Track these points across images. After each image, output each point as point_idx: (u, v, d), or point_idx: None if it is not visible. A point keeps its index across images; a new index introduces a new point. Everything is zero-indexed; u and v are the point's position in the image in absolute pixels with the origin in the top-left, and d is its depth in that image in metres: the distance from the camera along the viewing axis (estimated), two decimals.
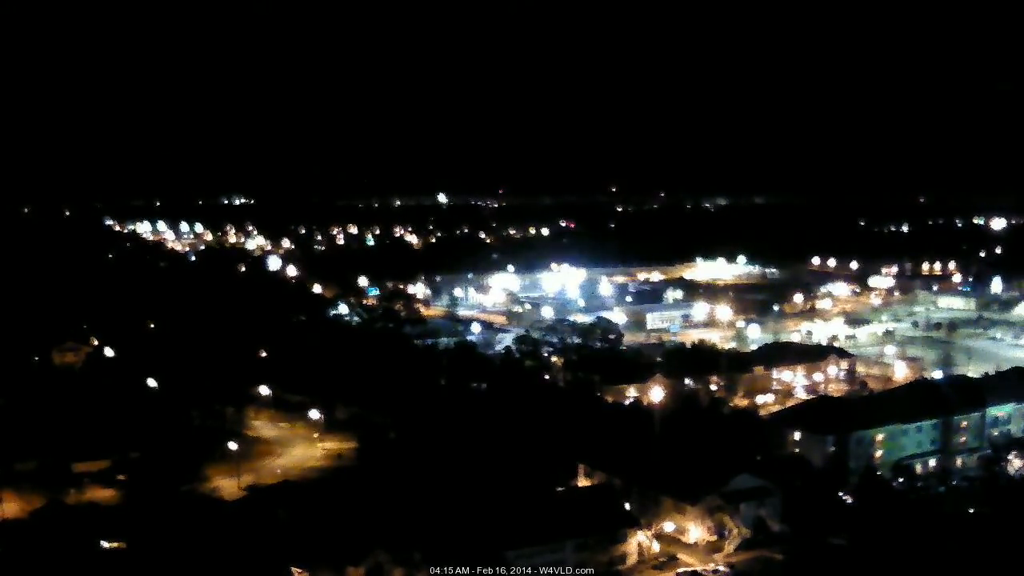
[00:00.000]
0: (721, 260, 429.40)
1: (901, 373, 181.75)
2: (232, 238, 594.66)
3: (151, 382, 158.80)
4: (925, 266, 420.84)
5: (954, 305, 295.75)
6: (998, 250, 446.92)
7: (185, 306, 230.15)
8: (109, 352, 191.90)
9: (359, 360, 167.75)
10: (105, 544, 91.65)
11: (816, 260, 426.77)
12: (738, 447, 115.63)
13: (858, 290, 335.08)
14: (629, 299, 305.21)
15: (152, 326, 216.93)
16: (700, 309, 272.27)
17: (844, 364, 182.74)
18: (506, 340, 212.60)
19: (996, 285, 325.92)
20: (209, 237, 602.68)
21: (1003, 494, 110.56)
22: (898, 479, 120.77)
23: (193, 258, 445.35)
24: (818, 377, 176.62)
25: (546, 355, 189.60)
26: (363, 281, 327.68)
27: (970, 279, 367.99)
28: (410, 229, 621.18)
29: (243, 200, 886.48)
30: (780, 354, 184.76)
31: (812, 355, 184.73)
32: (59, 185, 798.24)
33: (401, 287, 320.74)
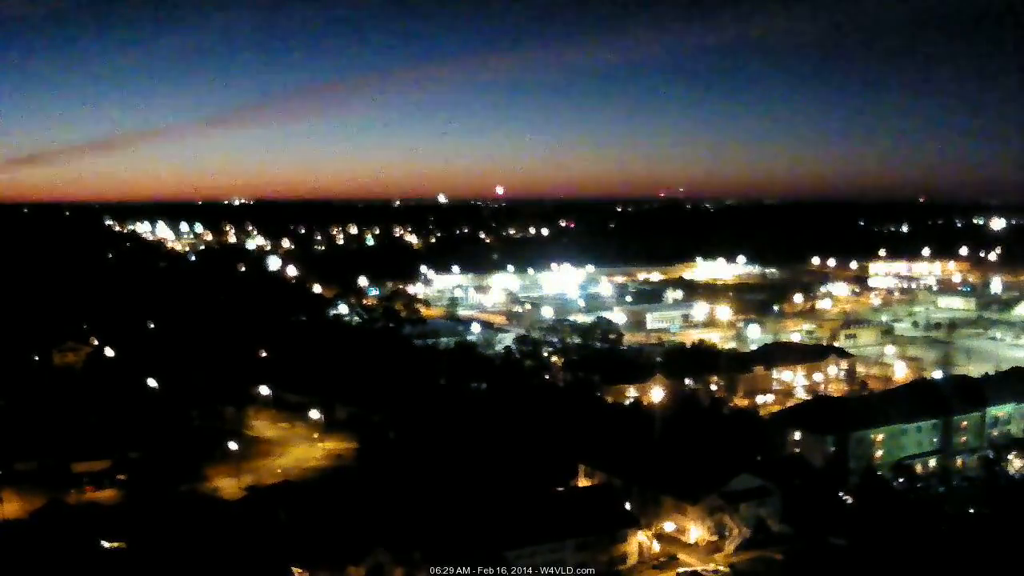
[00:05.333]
0: (721, 260, 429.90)
1: (901, 373, 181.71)
2: (232, 238, 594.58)
3: (151, 382, 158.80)
4: (925, 266, 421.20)
5: (954, 305, 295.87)
6: (998, 250, 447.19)
7: (185, 306, 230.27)
8: (109, 352, 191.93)
9: (359, 360, 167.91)
10: (105, 544, 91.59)
11: (816, 260, 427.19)
12: (738, 447, 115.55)
13: (858, 290, 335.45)
14: (629, 299, 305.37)
15: (152, 326, 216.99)
16: (700, 309, 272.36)
17: (844, 364, 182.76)
18: (506, 340, 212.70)
19: (996, 285, 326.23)
20: (209, 237, 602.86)
21: (1003, 494, 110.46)
22: (898, 479, 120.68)
23: (193, 258, 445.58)
24: (818, 377, 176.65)
25: (546, 355, 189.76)
26: (363, 281, 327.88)
27: (970, 279, 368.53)
28: (410, 229, 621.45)
29: (243, 200, 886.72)
30: (780, 354, 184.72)
31: (812, 355, 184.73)
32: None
33: (401, 287, 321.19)
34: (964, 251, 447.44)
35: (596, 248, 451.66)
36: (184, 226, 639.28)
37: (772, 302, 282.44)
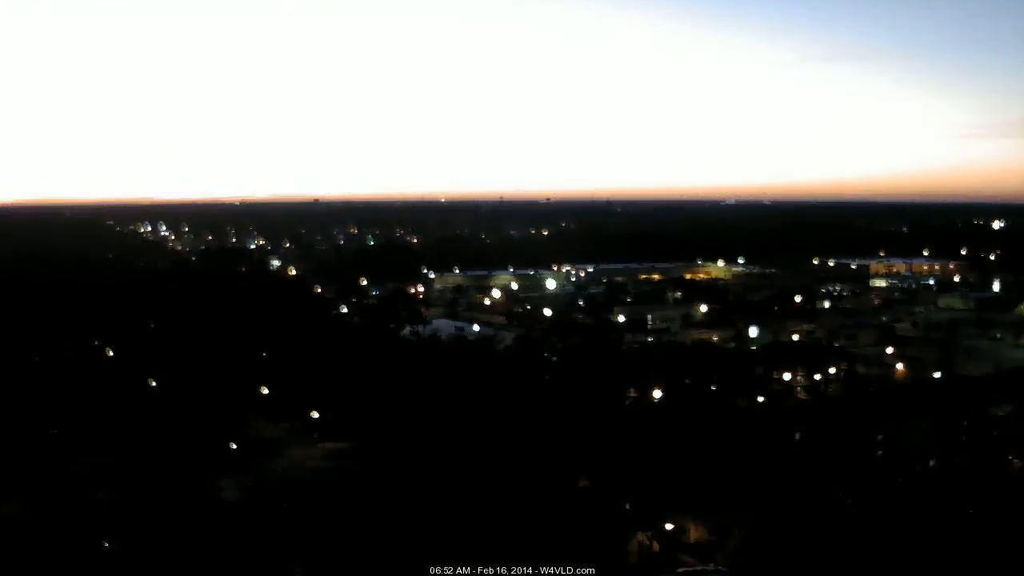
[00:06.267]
0: (721, 260, 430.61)
1: (901, 373, 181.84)
2: (233, 238, 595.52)
3: (151, 382, 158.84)
4: (925, 266, 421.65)
5: (954, 305, 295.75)
6: (998, 250, 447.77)
7: (186, 306, 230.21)
8: (109, 351, 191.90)
9: (360, 360, 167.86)
10: (105, 544, 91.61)
11: (816, 260, 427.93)
12: (738, 447, 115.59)
13: (858, 290, 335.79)
14: (629, 299, 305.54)
15: (153, 325, 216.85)
16: (700, 309, 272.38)
17: (844, 364, 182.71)
18: (506, 340, 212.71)
19: (996, 285, 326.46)
20: (210, 237, 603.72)
21: (1003, 494, 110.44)
22: (898, 479, 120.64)
23: (194, 258, 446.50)
24: (818, 377, 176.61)
25: (546, 355, 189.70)
26: (363, 281, 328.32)
27: (970, 279, 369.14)
28: (410, 229, 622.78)
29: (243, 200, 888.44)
30: (780, 354, 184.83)
31: (812, 355, 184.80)
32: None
33: (401, 287, 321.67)
34: (964, 251, 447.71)
35: (596, 248, 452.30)
36: (185, 226, 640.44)
37: (772, 302, 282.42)
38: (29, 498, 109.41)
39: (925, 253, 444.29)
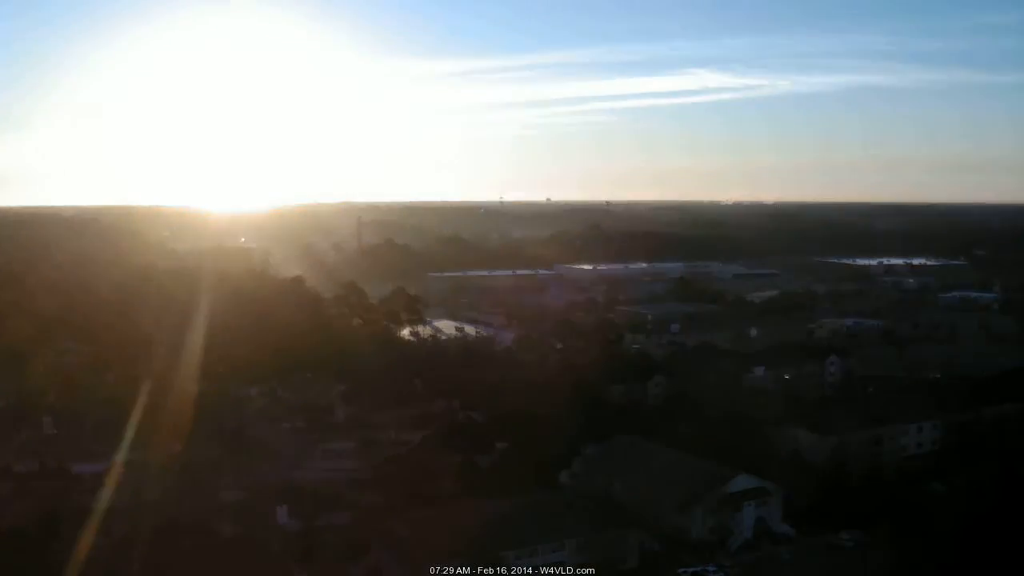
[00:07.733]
0: (721, 260, 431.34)
1: (900, 373, 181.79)
2: (235, 238, 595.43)
3: (151, 382, 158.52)
4: (925, 266, 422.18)
5: (953, 305, 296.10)
6: (1000, 250, 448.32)
7: (185, 306, 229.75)
8: (108, 352, 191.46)
9: (359, 360, 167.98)
10: (107, 545, 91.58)
11: (816, 260, 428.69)
12: (738, 447, 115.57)
13: (858, 290, 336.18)
14: (629, 300, 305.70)
15: (152, 326, 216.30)
16: (701, 309, 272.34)
17: (844, 364, 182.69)
18: (507, 340, 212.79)
19: (997, 285, 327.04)
20: (211, 238, 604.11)
21: (1003, 492, 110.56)
22: (898, 479, 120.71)
23: (194, 258, 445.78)
24: (818, 377, 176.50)
25: (547, 355, 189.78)
26: (364, 281, 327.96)
27: (971, 279, 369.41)
28: (411, 229, 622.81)
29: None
30: (780, 354, 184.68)
31: (812, 355, 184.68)
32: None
33: (402, 287, 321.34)
34: (965, 251, 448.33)
35: (596, 248, 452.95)
36: (185, 227, 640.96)
37: (772, 303, 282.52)
38: (29, 500, 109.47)
39: (925, 253, 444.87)
